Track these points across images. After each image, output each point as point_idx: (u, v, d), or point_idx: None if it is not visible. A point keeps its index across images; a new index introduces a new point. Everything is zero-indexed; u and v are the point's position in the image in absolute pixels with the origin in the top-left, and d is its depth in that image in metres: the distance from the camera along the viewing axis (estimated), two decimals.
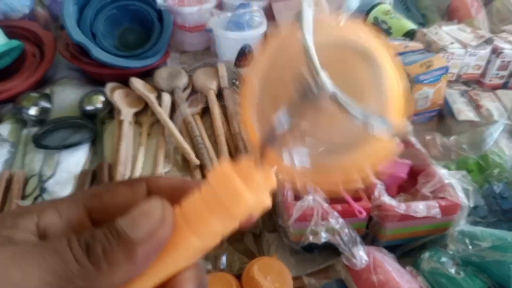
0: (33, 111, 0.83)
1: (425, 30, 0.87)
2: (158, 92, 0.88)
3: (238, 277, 0.55)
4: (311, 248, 0.56)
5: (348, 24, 0.20)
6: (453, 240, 0.55)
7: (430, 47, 0.82)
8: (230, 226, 0.21)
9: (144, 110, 0.86)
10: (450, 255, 0.54)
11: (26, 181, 0.71)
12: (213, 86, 0.88)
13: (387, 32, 0.96)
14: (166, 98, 0.85)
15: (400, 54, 0.77)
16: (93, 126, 0.81)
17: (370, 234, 0.60)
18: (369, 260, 0.52)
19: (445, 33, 0.84)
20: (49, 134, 0.80)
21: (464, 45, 0.81)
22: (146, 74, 0.92)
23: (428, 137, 0.70)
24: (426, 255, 0.55)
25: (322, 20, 0.19)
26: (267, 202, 0.21)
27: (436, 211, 0.55)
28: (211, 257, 0.58)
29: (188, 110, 0.82)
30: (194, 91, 0.90)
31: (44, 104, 0.85)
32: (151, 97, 0.84)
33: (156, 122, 0.83)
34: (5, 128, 0.81)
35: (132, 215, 0.18)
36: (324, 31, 0.19)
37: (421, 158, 0.63)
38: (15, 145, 0.77)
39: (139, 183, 0.22)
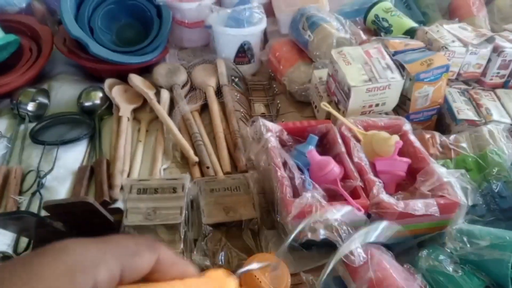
0: (30, 106, 0.83)
1: (426, 28, 0.86)
2: (157, 88, 0.87)
3: None
4: (309, 245, 0.56)
5: None
6: (451, 239, 0.55)
7: (431, 45, 0.82)
8: None
9: (142, 106, 0.85)
10: (448, 253, 0.54)
11: (23, 177, 0.71)
12: (212, 83, 0.88)
13: (388, 30, 0.96)
14: (165, 94, 0.85)
15: (401, 52, 0.76)
16: (91, 122, 0.81)
17: None
18: (367, 257, 0.52)
19: (446, 31, 0.84)
20: (46, 130, 0.79)
21: (465, 44, 0.80)
22: (145, 70, 0.92)
23: (427, 136, 0.70)
24: (424, 253, 0.55)
25: None
26: None
27: (434, 210, 0.55)
28: (210, 253, 0.58)
29: (187, 107, 0.82)
30: (193, 88, 0.90)
31: (42, 99, 0.85)
32: (150, 93, 0.84)
33: (155, 118, 0.83)
34: (2, 123, 0.81)
35: None
36: None
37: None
38: (12, 141, 0.77)
39: (157, 250, 0.25)
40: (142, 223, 0.58)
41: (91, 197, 0.64)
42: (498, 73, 0.83)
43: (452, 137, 0.70)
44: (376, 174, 0.61)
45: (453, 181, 0.58)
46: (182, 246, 0.57)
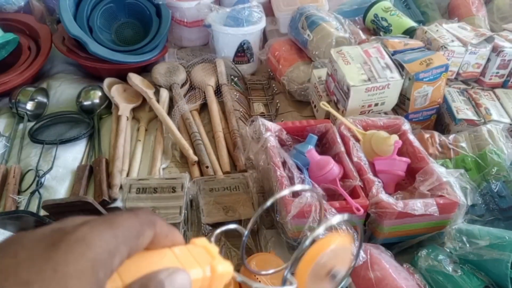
0: (29, 105, 0.82)
1: (425, 27, 0.86)
2: (156, 87, 0.87)
3: (236, 272, 0.54)
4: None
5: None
6: (450, 238, 0.55)
7: (430, 45, 0.82)
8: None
9: (142, 105, 0.85)
10: (448, 253, 0.54)
11: (22, 176, 0.70)
12: (211, 82, 0.88)
13: (387, 29, 0.96)
14: (164, 94, 0.85)
15: (400, 51, 0.76)
16: (90, 121, 0.81)
17: (367, 231, 0.60)
18: (367, 257, 0.52)
19: (446, 30, 0.84)
20: (45, 129, 0.79)
21: (465, 43, 0.80)
22: (144, 70, 0.91)
23: (426, 135, 0.70)
24: (423, 252, 0.55)
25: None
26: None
27: (433, 209, 0.55)
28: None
29: (186, 106, 0.82)
30: (192, 87, 0.90)
31: (41, 98, 0.85)
32: (149, 92, 0.84)
33: (154, 117, 0.83)
34: (0, 122, 0.81)
35: (176, 285, 0.24)
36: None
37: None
38: (11, 140, 0.77)
39: (154, 225, 0.25)
40: None
41: (90, 197, 0.64)
42: (497, 72, 0.83)
43: (451, 136, 0.70)
44: (375, 173, 0.61)
45: (453, 181, 0.58)
46: None
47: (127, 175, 0.72)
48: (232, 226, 0.36)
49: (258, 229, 0.61)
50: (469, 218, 0.60)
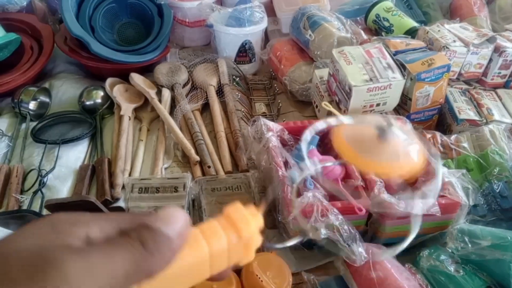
0: (32, 105, 0.83)
1: (427, 28, 0.86)
2: (158, 87, 0.87)
3: (238, 272, 0.54)
4: (310, 244, 0.56)
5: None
6: (452, 238, 0.55)
7: (432, 45, 0.82)
8: (234, 246, 0.27)
9: (144, 105, 0.85)
10: (450, 253, 0.54)
11: (25, 176, 0.71)
12: (213, 82, 0.88)
13: (389, 29, 0.96)
14: (166, 93, 0.85)
15: (402, 52, 0.76)
16: (92, 121, 0.81)
17: (369, 231, 0.60)
18: (369, 257, 0.52)
19: (447, 31, 0.84)
20: (48, 129, 0.79)
21: (466, 44, 0.80)
22: (146, 70, 0.92)
23: (428, 136, 0.70)
24: (425, 252, 0.55)
25: None
26: (253, 257, 0.29)
27: (436, 209, 0.55)
28: None
29: (188, 106, 0.82)
30: (194, 87, 0.90)
31: (43, 98, 0.85)
32: (151, 92, 0.84)
33: (156, 117, 0.83)
34: (3, 122, 0.81)
35: (164, 217, 0.25)
36: None
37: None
38: (14, 139, 0.77)
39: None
40: None
41: (92, 196, 0.64)
42: (499, 73, 0.83)
43: (453, 137, 0.70)
44: None
45: (455, 181, 0.58)
46: None
47: (129, 174, 0.72)
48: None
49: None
50: (471, 218, 0.59)
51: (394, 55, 0.76)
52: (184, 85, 0.89)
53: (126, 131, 0.78)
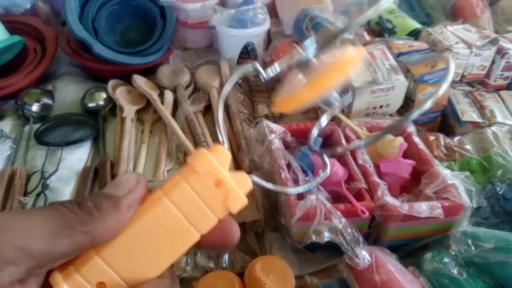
0: (35, 107, 0.83)
1: (430, 29, 0.86)
2: (161, 89, 0.87)
3: (241, 275, 0.54)
4: (313, 247, 0.56)
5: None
6: (455, 241, 0.55)
7: (435, 47, 0.82)
8: (209, 195, 0.24)
9: (146, 107, 0.85)
10: (453, 256, 0.54)
11: (28, 178, 0.71)
12: (215, 83, 0.88)
13: (392, 31, 0.96)
14: (169, 95, 0.85)
15: (405, 53, 0.76)
16: (95, 123, 0.81)
17: (372, 234, 0.60)
18: (372, 260, 0.52)
19: (450, 32, 0.84)
20: (51, 131, 0.80)
21: (469, 45, 0.80)
22: (149, 71, 0.92)
23: (431, 138, 0.70)
24: (428, 255, 0.55)
25: None
26: (244, 200, 0.25)
27: (439, 212, 0.55)
28: (214, 255, 0.58)
29: (190, 108, 0.82)
30: (196, 89, 0.90)
31: (46, 100, 0.85)
32: (154, 94, 0.84)
33: (159, 119, 0.83)
34: (7, 124, 0.81)
35: (113, 182, 0.23)
36: None
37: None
38: (17, 142, 0.77)
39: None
40: None
41: None
42: (502, 74, 0.83)
43: (456, 139, 0.70)
44: (380, 176, 0.61)
45: (458, 183, 0.58)
46: None
47: None
48: None
49: (263, 232, 0.61)
50: (474, 220, 0.59)
51: (397, 56, 0.76)
52: (187, 87, 0.89)
53: (129, 133, 0.78)
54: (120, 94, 0.84)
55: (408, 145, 0.65)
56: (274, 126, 0.67)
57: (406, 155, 0.64)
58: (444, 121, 0.79)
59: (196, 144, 0.76)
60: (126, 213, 0.22)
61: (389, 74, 0.72)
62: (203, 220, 0.24)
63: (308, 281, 0.54)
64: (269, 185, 0.28)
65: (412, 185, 0.63)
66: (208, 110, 0.86)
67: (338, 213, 0.54)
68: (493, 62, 0.83)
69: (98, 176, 0.72)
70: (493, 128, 0.70)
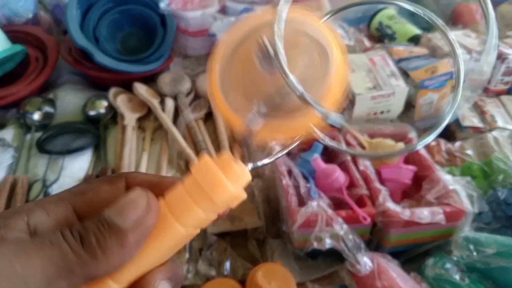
0: (36, 116, 0.83)
1: (430, 35, 0.87)
2: (161, 97, 0.88)
3: (242, 283, 0.54)
4: (315, 254, 0.56)
5: (313, 18, 0.24)
6: (457, 246, 0.55)
7: (435, 53, 0.82)
8: (212, 215, 0.23)
9: (147, 115, 0.86)
10: (455, 261, 0.54)
11: (30, 186, 0.71)
12: None
13: (392, 37, 0.96)
14: (169, 103, 0.85)
15: (405, 59, 0.77)
16: (96, 131, 0.81)
17: (374, 240, 0.60)
18: (374, 266, 0.52)
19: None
20: (52, 139, 0.80)
21: (469, 51, 0.81)
22: (149, 79, 0.92)
23: (432, 143, 0.70)
24: (430, 261, 0.55)
25: (298, 12, 0.22)
26: (243, 195, 0.23)
27: (440, 217, 0.55)
28: (215, 263, 0.58)
29: (191, 115, 0.82)
30: (197, 96, 0.90)
31: (48, 109, 0.86)
32: (154, 102, 0.84)
33: (159, 127, 0.83)
34: (8, 133, 0.81)
35: (119, 205, 0.20)
36: (295, 21, 0.22)
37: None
38: (19, 150, 0.78)
39: (119, 179, 0.23)
40: None
41: None
42: (502, 79, 0.83)
43: (457, 144, 0.70)
44: (382, 182, 0.61)
45: (459, 189, 0.58)
46: (187, 255, 0.57)
47: None
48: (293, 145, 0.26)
49: (264, 239, 0.61)
50: (476, 226, 0.59)
51: (397, 62, 0.76)
52: (188, 94, 0.89)
53: (130, 141, 0.78)
54: (121, 102, 0.85)
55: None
56: None
57: (407, 161, 0.64)
58: (445, 126, 0.79)
59: (197, 151, 0.76)
60: (132, 251, 0.20)
61: (390, 80, 0.72)
62: (201, 227, 0.23)
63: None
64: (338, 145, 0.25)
65: (413, 191, 0.63)
66: (209, 118, 0.86)
67: (340, 219, 0.54)
68: (493, 67, 0.83)
69: None
70: (494, 133, 0.70)
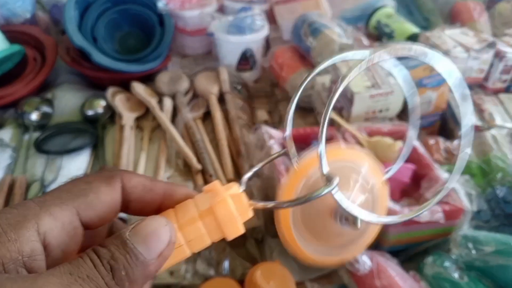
0: (34, 116, 0.83)
1: (428, 34, 0.86)
2: (159, 96, 0.88)
3: (241, 282, 0.54)
4: None
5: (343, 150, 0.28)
6: (456, 245, 0.55)
7: None
8: (215, 238, 0.25)
9: (145, 114, 0.86)
10: (454, 259, 0.54)
11: (28, 186, 0.71)
12: (214, 90, 0.88)
13: (390, 35, 0.96)
14: (168, 102, 0.85)
15: (403, 57, 0.76)
16: (94, 131, 0.81)
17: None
18: (372, 265, 0.52)
19: (448, 37, 0.84)
20: (50, 139, 0.80)
21: (467, 49, 0.80)
22: (147, 79, 0.92)
23: (431, 141, 0.70)
24: (429, 259, 0.55)
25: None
26: (243, 231, 0.25)
27: (439, 216, 0.55)
28: (214, 262, 0.57)
29: (189, 115, 0.82)
30: (195, 96, 0.90)
31: (46, 109, 0.85)
32: (152, 101, 0.84)
33: (158, 126, 0.83)
34: (7, 133, 0.81)
35: (143, 233, 0.21)
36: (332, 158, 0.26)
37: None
38: (17, 150, 0.77)
39: (115, 180, 0.24)
40: None
41: None
42: (500, 77, 0.83)
43: (455, 142, 0.70)
44: None
45: (458, 187, 0.58)
46: None
47: None
48: (275, 155, 0.30)
49: (263, 238, 0.61)
50: (475, 224, 0.59)
51: None
52: (186, 94, 0.89)
53: (128, 140, 0.78)
54: (119, 101, 0.85)
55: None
56: (273, 131, 0.67)
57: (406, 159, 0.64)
58: (444, 124, 0.79)
59: (196, 151, 0.76)
60: (151, 278, 0.22)
61: (388, 78, 0.72)
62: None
63: (309, 287, 0.54)
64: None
65: (412, 190, 0.63)
66: (207, 117, 0.86)
67: None
68: (491, 65, 0.83)
69: None
70: (493, 131, 0.70)
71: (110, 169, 0.25)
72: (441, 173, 0.60)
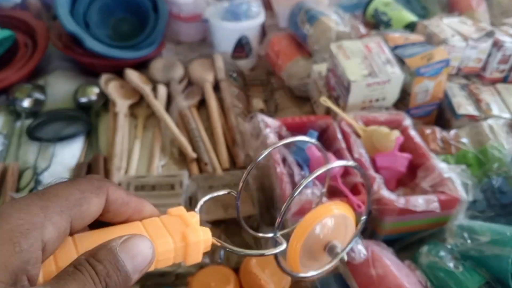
0: (26, 102, 0.82)
1: (426, 22, 0.86)
2: (154, 84, 0.86)
3: (236, 270, 0.54)
4: None
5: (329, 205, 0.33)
6: (451, 234, 0.55)
7: (431, 40, 0.81)
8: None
9: (139, 102, 0.84)
10: (449, 249, 0.54)
11: (20, 174, 0.70)
12: (209, 77, 0.87)
13: (387, 24, 0.95)
14: (162, 90, 0.84)
15: (401, 46, 0.76)
16: (87, 118, 0.80)
17: (368, 228, 0.60)
18: (368, 254, 0.51)
19: (446, 25, 0.83)
20: (43, 126, 0.78)
21: (465, 38, 0.80)
22: (141, 66, 0.91)
23: (427, 131, 0.69)
24: (424, 249, 0.55)
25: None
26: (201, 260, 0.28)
27: (435, 205, 0.55)
28: (209, 251, 0.57)
29: (184, 103, 0.81)
30: (190, 83, 0.89)
31: (38, 95, 0.84)
32: (146, 89, 0.83)
33: (152, 114, 0.82)
34: None
35: (132, 253, 0.23)
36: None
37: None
38: (9, 137, 0.76)
39: (103, 191, 0.25)
40: None
41: None
42: (498, 67, 0.83)
43: (452, 132, 0.70)
44: (376, 170, 0.61)
45: (454, 177, 0.58)
46: None
47: (125, 172, 0.71)
48: (221, 192, 0.33)
49: (258, 227, 0.61)
50: (470, 214, 0.59)
51: (393, 49, 0.75)
52: (180, 81, 0.88)
53: (122, 128, 0.77)
54: (113, 88, 0.83)
55: (404, 138, 0.64)
56: (269, 120, 0.66)
57: (402, 148, 0.64)
58: (440, 114, 0.78)
59: (191, 139, 0.76)
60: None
61: (385, 67, 0.71)
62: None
63: None
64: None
65: (408, 179, 0.63)
66: (202, 105, 0.85)
67: None
68: (489, 55, 0.82)
69: (91, 171, 0.71)
70: (489, 121, 0.70)
71: (98, 178, 0.25)
72: (437, 162, 0.60)
